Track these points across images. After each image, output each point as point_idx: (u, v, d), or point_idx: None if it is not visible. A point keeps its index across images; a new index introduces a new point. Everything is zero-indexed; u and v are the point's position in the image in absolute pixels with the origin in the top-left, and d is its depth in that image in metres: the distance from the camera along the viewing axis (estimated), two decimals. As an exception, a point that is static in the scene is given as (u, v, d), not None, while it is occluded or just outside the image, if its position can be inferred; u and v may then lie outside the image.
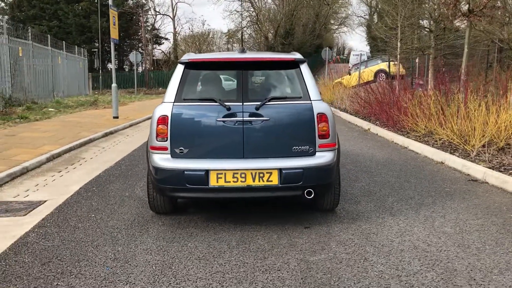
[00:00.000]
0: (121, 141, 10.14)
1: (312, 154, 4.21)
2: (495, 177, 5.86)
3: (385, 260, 3.55)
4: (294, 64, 4.46)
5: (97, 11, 39.51)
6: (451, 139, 7.97)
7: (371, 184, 5.92)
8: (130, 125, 12.98)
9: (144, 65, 44.95)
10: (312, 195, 4.12)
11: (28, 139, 9.28)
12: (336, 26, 62.04)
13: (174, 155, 4.19)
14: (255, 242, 3.94)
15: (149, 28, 47.10)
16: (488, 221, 4.44)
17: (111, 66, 15.73)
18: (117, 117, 13.86)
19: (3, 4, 43.54)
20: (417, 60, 21.91)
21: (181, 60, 4.47)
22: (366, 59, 31.60)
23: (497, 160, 6.69)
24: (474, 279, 3.21)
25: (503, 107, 7.73)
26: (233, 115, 4.16)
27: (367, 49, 49.77)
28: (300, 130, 4.21)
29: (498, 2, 12.48)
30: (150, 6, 48.59)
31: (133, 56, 30.46)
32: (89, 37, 42.33)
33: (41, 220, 4.60)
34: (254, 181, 4.06)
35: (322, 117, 4.21)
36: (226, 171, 4.07)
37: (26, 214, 4.81)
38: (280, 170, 4.07)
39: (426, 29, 19.48)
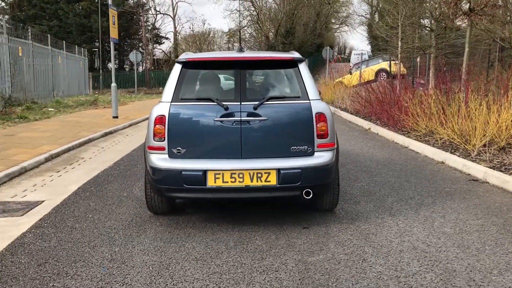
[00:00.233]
0: (121, 141, 10.12)
1: (311, 154, 4.17)
2: (495, 177, 5.82)
3: (384, 260, 3.52)
4: (293, 63, 4.43)
5: (98, 10, 39.46)
6: (452, 139, 7.93)
7: (370, 184, 5.88)
8: (130, 125, 12.96)
9: (144, 64, 44.94)
10: (311, 196, 4.08)
11: (27, 139, 9.26)
12: (337, 26, 61.92)
13: (171, 155, 4.16)
14: (253, 243, 3.91)
15: (149, 28, 47.07)
16: (488, 221, 4.40)
17: (111, 65, 15.70)
18: (116, 117, 13.83)
19: (3, 4, 43.54)
20: (418, 60, 21.86)
21: (179, 59, 4.44)
22: (367, 58, 31.51)
23: (498, 160, 6.65)
24: (474, 280, 3.18)
25: (504, 106, 7.69)
26: (231, 115, 4.12)
27: (368, 48, 49.72)
28: (298, 130, 4.18)
29: (499, 1, 12.43)
30: (151, 6, 48.53)
31: (133, 56, 30.45)
32: (89, 37, 42.31)
33: (38, 220, 4.57)
34: (252, 181, 4.03)
35: (321, 116, 4.17)
36: (224, 171, 4.04)
37: (23, 215, 4.78)
38: (278, 170, 4.04)
39: (427, 28, 19.43)
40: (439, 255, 3.62)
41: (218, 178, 4.03)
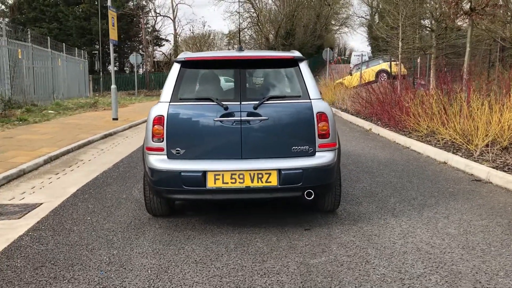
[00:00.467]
0: (120, 142, 10.05)
1: (312, 154, 4.10)
2: (499, 177, 5.75)
3: (387, 262, 3.45)
4: (293, 62, 4.36)
5: (97, 13, 39.47)
6: (454, 139, 7.86)
7: (372, 184, 5.81)
8: (130, 127, 12.89)
9: (144, 67, 44.90)
10: (312, 196, 4.01)
11: (26, 141, 9.20)
12: (337, 27, 61.88)
13: (170, 156, 4.09)
14: (253, 245, 3.84)
15: (149, 30, 47.05)
16: (493, 222, 4.33)
17: (111, 67, 15.64)
18: (116, 119, 13.77)
19: (3, 7, 43.55)
20: (418, 60, 21.80)
21: (177, 58, 4.37)
22: (367, 59, 31.45)
23: (501, 160, 6.58)
24: (480, 282, 3.10)
25: (506, 106, 7.61)
26: (230, 114, 4.06)
27: (368, 49, 49.68)
28: (299, 130, 4.11)
29: (500, 0, 12.37)
30: (151, 8, 48.57)
31: (133, 58, 30.42)
32: (89, 39, 42.31)
33: (36, 223, 4.50)
34: (252, 182, 3.96)
35: (322, 116, 4.11)
36: (224, 172, 3.97)
37: (21, 217, 4.71)
38: (279, 170, 3.97)
39: (428, 28, 19.37)
40: (443, 256, 3.54)
41: (218, 179, 3.96)
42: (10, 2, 43.27)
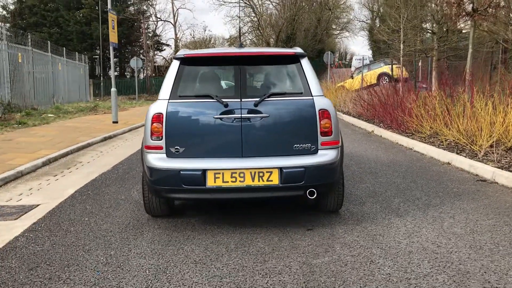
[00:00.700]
0: (120, 145, 9.96)
1: (314, 152, 4.00)
2: (504, 177, 5.64)
3: (392, 262, 3.35)
4: (295, 59, 4.26)
5: (98, 18, 39.47)
6: (457, 139, 7.76)
7: (376, 185, 5.71)
8: (130, 130, 12.81)
9: (145, 71, 44.88)
10: (315, 195, 3.91)
11: (25, 143, 9.11)
12: (338, 31, 61.84)
13: (169, 155, 3.99)
14: (255, 245, 3.74)
15: (150, 35, 47.08)
16: (500, 221, 4.22)
17: (111, 70, 15.58)
18: (116, 122, 13.69)
19: (4, 12, 43.62)
20: (420, 64, 21.73)
21: (176, 55, 4.28)
22: (368, 63, 31.38)
23: (506, 160, 6.47)
24: (489, 282, 3.00)
25: (511, 106, 7.52)
26: (230, 112, 3.96)
27: (369, 53, 49.60)
28: (301, 127, 4.01)
29: (502, 1, 12.29)
30: (151, 13, 48.64)
31: (133, 62, 30.34)
32: (90, 44, 42.33)
33: (32, 224, 4.41)
34: (253, 181, 3.86)
35: (324, 113, 4.01)
36: (224, 171, 3.87)
37: (17, 218, 4.62)
38: (280, 169, 3.87)
39: (429, 31, 19.30)
40: (450, 256, 3.44)
41: (218, 177, 3.87)
42: (11, 7, 43.36)
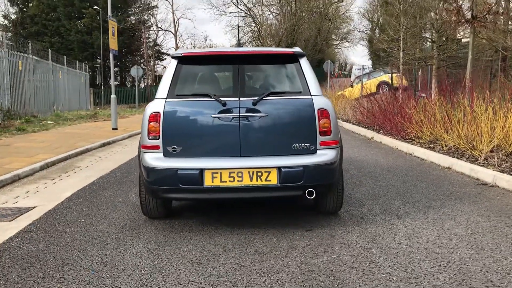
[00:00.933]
0: (119, 151, 9.91)
1: (313, 152, 3.95)
2: (506, 180, 5.59)
3: (392, 262, 3.29)
4: (294, 58, 4.23)
5: (99, 27, 39.67)
6: (458, 145, 7.71)
7: (376, 188, 5.65)
8: (129, 136, 12.77)
9: (146, 80, 44.98)
10: (314, 196, 3.85)
11: (23, 148, 9.07)
12: (338, 42, 62.05)
13: (166, 154, 3.95)
14: (252, 245, 3.68)
15: (151, 44, 47.26)
16: (502, 223, 4.16)
17: (111, 78, 15.57)
18: (116, 129, 13.66)
19: (6, 22, 43.84)
20: (419, 73, 21.74)
21: (174, 54, 4.24)
22: (368, 72, 31.41)
23: (507, 165, 6.42)
24: (491, 281, 2.94)
25: (511, 111, 7.48)
26: (229, 111, 3.92)
27: (369, 63, 49.71)
28: (300, 127, 3.96)
29: (500, 8, 12.32)
30: (152, 22, 48.85)
31: (134, 71, 30.40)
32: (91, 53, 42.50)
33: (28, 225, 4.35)
34: (251, 180, 3.81)
35: (323, 112, 3.97)
36: (222, 170, 3.82)
37: (12, 220, 4.56)
38: (279, 168, 3.82)
39: (428, 40, 19.36)
40: (451, 256, 3.38)
41: (216, 177, 3.82)
42: (13, 17, 43.58)
